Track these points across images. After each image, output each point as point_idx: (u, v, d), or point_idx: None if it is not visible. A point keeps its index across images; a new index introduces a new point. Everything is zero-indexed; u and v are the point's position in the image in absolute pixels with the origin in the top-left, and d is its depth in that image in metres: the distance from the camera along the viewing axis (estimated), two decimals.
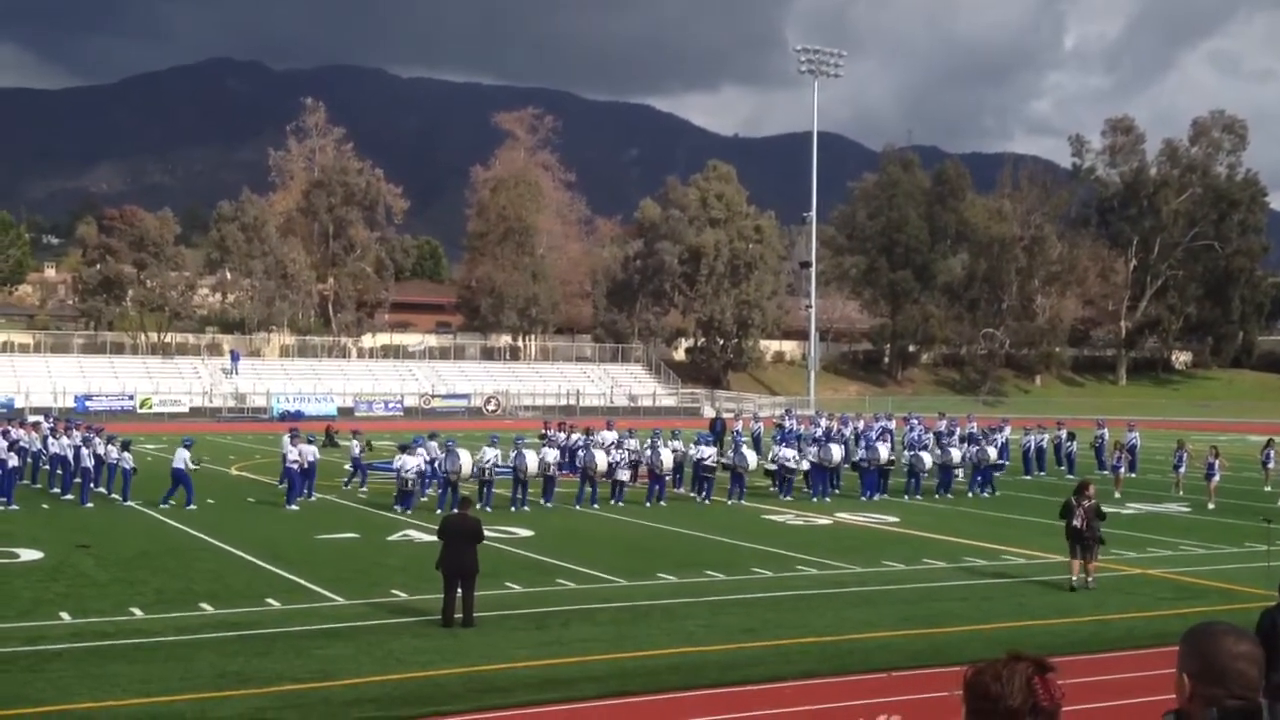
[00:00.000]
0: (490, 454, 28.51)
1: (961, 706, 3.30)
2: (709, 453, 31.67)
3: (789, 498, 31.51)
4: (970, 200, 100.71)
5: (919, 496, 32.20)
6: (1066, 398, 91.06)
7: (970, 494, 33.08)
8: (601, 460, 30.10)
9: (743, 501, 30.41)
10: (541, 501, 28.88)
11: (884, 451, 33.45)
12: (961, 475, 34.22)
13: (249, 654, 14.19)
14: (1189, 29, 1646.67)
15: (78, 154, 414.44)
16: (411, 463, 27.87)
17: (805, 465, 32.21)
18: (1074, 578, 19.03)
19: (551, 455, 29.83)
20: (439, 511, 25.74)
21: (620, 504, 29.43)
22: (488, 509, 27.20)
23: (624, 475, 30.28)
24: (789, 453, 32.50)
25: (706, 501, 30.37)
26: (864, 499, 31.48)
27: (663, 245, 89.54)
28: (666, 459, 30.62)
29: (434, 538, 17.77)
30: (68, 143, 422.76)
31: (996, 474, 34.60)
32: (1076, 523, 18.94)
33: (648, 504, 29.65)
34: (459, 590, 15.82)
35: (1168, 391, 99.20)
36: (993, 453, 34.46)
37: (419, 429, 41.89)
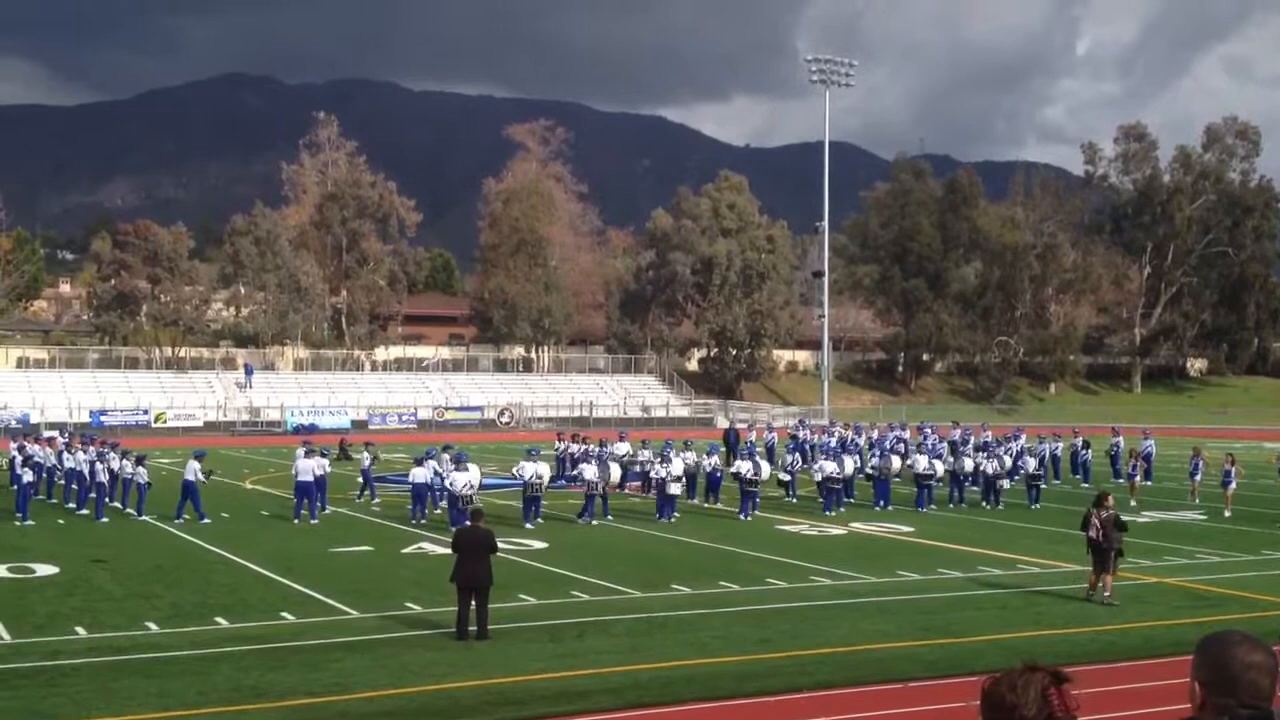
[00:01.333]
0: (531, 469, 28.15)
1: (978, 717, 3.30)
2: (746, 467, 30.56)
3: (841, 511, 30.30)
4: (983, 208, 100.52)
5: (933, 506, 32.07)
6: (1081, 405, 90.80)
7: (984, 504, 32.84)
8: (615, 473, 29.97)
9: (756, 512, 30.30)
10: (581, 518, 28.49)
11: (897, 462, 33.24)
12: (1009, 485, 33.31)
13: (264, 668, 14.21)
14: (1202, 34, 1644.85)
15: (92, 169, 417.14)
16: (461, 480, 26.88)
17: (820, 476, 31.94)
18: (1091, 591, 18.89)
19: (594, 472, 29.33)
20: (450, 525, 25.76)
21: (663, 520, 28.63)
22: (528, 525, 27.07)
23: (676, 489, 29.28)
24: (831, 466, 31.23)
25: (748, 517, 29.35)
26: (877, 509, 31.38)
27: (675, 256, 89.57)
28: (678, 468, 30.44)
29: (447, 550, 17.77)
30: (82, 158, 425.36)
31: (1041, 485, 33.33)
32: (1091, 533, 18.82)
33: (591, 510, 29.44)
34: (473, 603, 15.83)
35: (1183, 399, 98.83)
36: (1008, 461, 34.10)
37: (433, 441, 41.94)
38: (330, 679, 13.71)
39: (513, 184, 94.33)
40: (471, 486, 26.98)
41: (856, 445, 39.43)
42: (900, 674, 14.14)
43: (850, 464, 32.60)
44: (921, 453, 33.97)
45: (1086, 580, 19.13)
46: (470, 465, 28.33)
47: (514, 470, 29.25)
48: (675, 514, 29.11)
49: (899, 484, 34.12)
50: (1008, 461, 34.13)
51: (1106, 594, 18.67)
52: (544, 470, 28.54)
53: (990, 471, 32.81)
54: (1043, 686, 3.20)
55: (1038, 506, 32.02)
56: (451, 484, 27.08)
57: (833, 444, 38.89)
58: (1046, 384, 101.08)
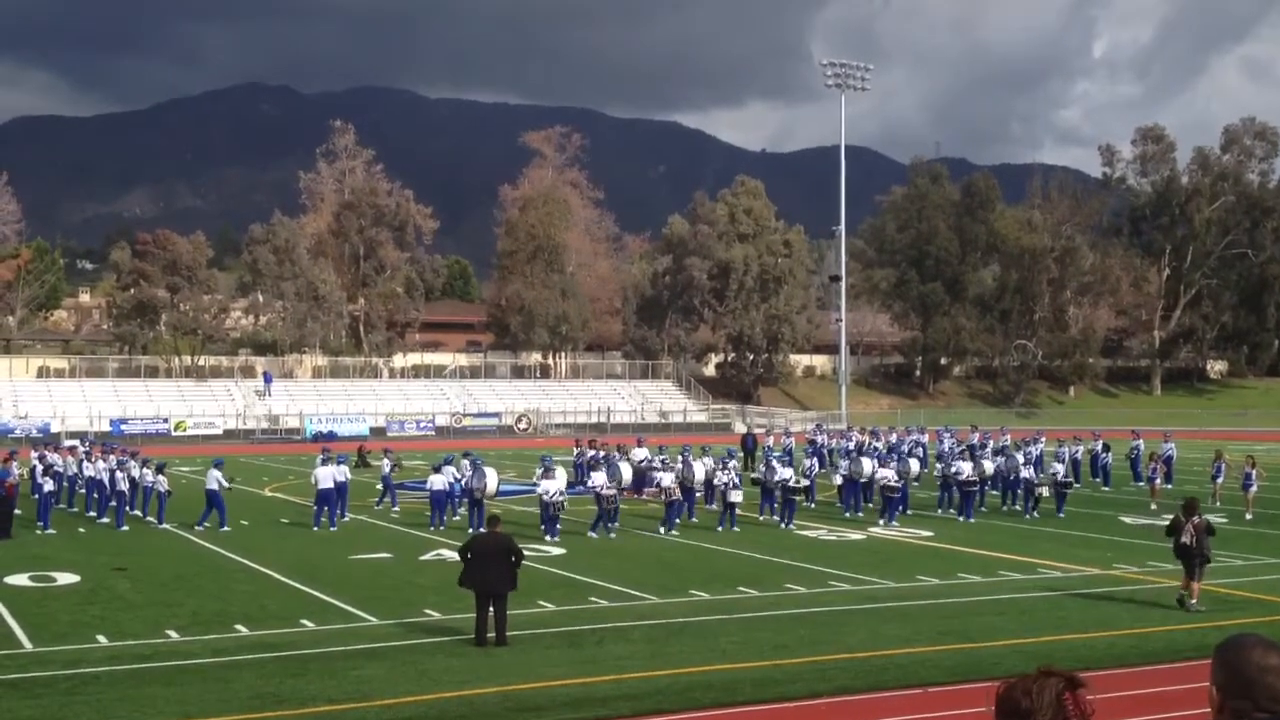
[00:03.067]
0: (600, 478, 27.93)
1: None
2: (788, 474, 29.94)
3: (895, 522, 29.43)
4: (1000, 211, 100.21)
5: (952, 510, 31.92)
6: (1101, 409, 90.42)
7: (1004, 508, 32.71)
8: (626, 473, 29.85)
9: (774, 517, 30.20)
10: (659, 529, 27.93)
11: (915, 465, 32.99)
12: (1047, 493, 32.09)
13: (285, 675, 14.25)
14: (1219, 34, 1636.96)
15: (111, 179, 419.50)
16: (554, 487, 26.56)
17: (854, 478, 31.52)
18: (1193, 600, 18.36)
19: (603, 479, 29.03)
20: (470, 530, 25.78)
21: (736, 529, 28.15)
22: (611, 534, 26.92)
23: (736, 496, 28.76)
24: (887, 473, 30.42)
25: (789, 526, 28.75)
26: (896, 513, 31.18)
27: (692, 261, 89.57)
28: (699, 473, 30.32)
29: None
30: (101, 168, 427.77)
31: (1067, 491, 32.34)
32: (1185, 539, 18.52)
33: (676, 520, 29.39)
34: (491, 609, 15.85)
35: (1203, 401, 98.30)
36: (1020, 460, 33.69)
37: (451, 448, 42.00)
38: (350, 686, 13.75)
39: (529, 191, 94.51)
40: (562, 493, 26.83)
41: (876, 450, 39.29)
42: (919, 679, 14.11)
43: (869, 467, 32.38)
44: (964, 459, 33.07)
45: (1188, 592, 18.63)
46: (488, 470, 28.35)
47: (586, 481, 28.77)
48: (735, 526, 28.44)
49: (916, 488, 33.96)
50: (1024, 466, 33.80)
51: (1193, 601, 18.30)
52: (561, 477, 28.23)
53: (1033, 478, 32.29)
54: (1057, 691, 3.20)
55: (1062, 515, 31.21)
56: (545, 492, 26.75)
57: (850, 447, 38.81)
58: (1066, 387, 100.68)
